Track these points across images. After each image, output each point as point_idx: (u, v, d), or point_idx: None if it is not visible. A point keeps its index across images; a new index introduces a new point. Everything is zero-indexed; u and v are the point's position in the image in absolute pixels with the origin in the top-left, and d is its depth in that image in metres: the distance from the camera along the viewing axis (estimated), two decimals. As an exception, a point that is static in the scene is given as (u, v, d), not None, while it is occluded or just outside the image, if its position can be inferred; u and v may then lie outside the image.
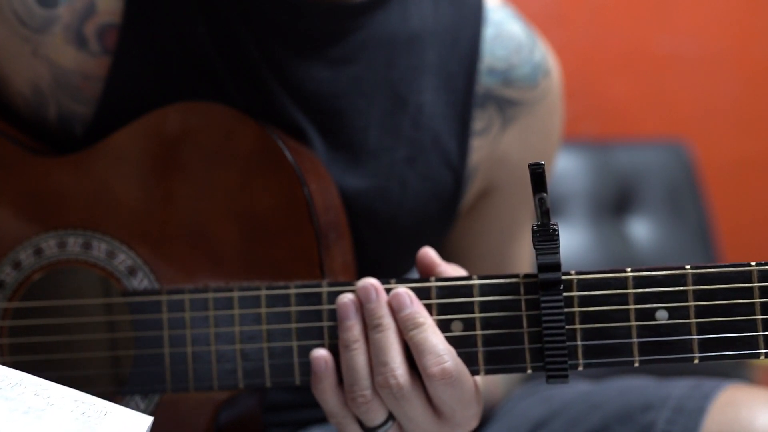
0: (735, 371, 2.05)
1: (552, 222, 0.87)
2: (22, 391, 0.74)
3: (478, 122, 1.14)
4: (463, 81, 1.13)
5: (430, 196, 1.12)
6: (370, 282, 0.91)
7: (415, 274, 1.00)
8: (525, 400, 1.20)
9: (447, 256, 1.04)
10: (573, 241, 2.25)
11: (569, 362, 0.89)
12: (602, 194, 2.32)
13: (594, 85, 2.52)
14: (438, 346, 0.89)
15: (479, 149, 1.15)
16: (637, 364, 0.89)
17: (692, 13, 2.58)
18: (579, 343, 0.89)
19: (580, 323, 0.89)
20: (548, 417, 1.15)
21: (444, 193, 1.13)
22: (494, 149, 1.16)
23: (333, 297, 0.93)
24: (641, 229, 2.33)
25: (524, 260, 1.23)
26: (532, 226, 0.87)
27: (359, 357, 0.90)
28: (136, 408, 0.97)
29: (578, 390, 1.18)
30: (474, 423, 0.94)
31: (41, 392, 0.75)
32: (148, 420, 0.73)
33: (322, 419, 1.15)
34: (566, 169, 2.28)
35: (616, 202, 2.34)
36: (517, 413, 1.18)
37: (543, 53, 1.18)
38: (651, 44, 2.57)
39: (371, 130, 1.10)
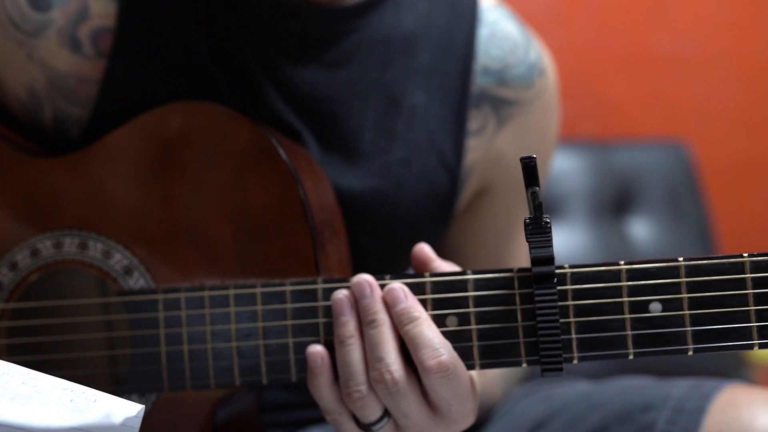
0: (735, 371, 2.04)
1: (545, 215, 0.87)
2: (9, 380, 0.74)
3: (474, 122, 1.14)
4: (457, 81, 1.13)
5: (426, 196, 1.13)
6: (365, 278, 0.92)
7: (411, 273, 1.00)
8: (524, 399, 1.19)
9: (443, 256, 1.03)
10: (573, 241, 2.25)
11: (564, 355, 0.89)
12: (602, 194, 2.32)
13: (594, 85, 2.53)
14: (434, 340, 0.89)
15: (475, 149, 1.15)
16: (631, 357, 0.89)
17: (692, 13, 2.58)
18: (573, 336, 0.89)
19: (575, 316, 0.89)
20: (548, 417, 1.15)
21: (440, 194, 1.14)
22: (490, 149, 1.16)
23: (328, 294, 0.93)
24: (641, 229, 2.33)
25: (521, 259, 1.22)
26: (525, 220, 0.87)
27: (354, 352, 0.90)
28: (134, 407, 0.97)
29: (578, 390, 1.17)
30: (470, 419, 0.94)
31: (29, 381, 0.75)
32: (138, 407, 0.73)
33: (320, 419, 1.15)
34: (566, 169, 2.28)
35: (616, 202, 2.34)
36: (517, 413, 1.17)
37: (538, 53, 1.18)
38: (651, 44, 2.57)
39: (366, 132, 1.10)
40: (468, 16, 1.15)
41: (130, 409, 0.73)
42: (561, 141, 1.29)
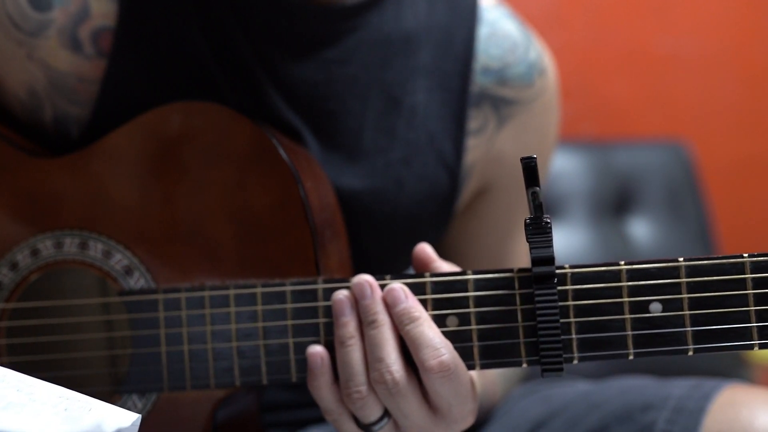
0: (735, 371, 2.04)
1: (545, 215, 0.87)
2: (4, 387, 0.74)
3: (474, 122, 1.14)
4: (457, 80, 1.13)
5: (426, 196, 1.13)
6: (365, 278, 0.92)
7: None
8: (524, 399, 1.19)
9: (443, 256, 1.03)
10: (573, 241, 2.25)
11: (564, 355, 0.89)
12: (602, 194, 2.33)
13: (594, 85, 2.53)
14: (434, 340, 0.89)
15: (475, 149, 1.15)
16: (631, 357, 0.89)
17: (692, 13, 2.58)
18: (574, 336, 0.89)
19: (575, 316, 0.89)
20: (548, 417, 1.15)
21: (440, 193, 1.14)
22: (490, 148, 1.16)
23: (328, 294, 0.93)
24: (641, 229, 2.33)
25: (521, 259, 1.23)
26: (525, 220, 0.87)
27: (354, 353, 0.90)
28: (134, 407, 0.97)
29: (578, 390, 1.17)
30: (470, 420, 0.94)
31: (24, 388, 0.74)
32: (133, 416, 0.72)
33: (321, 419, 1.15)
34: (566, 169, 2.28)
35: (616, 202, 2.34)
36: (517, 413, 1.17)
37: (538, 52, 1.18)
38: (651, 44, 2.57)
39: (366, 131, 1.10)
40: (468, 16, 1.15)
41: (125, 419, 0.72)
42: (561, 141, 1.29)
